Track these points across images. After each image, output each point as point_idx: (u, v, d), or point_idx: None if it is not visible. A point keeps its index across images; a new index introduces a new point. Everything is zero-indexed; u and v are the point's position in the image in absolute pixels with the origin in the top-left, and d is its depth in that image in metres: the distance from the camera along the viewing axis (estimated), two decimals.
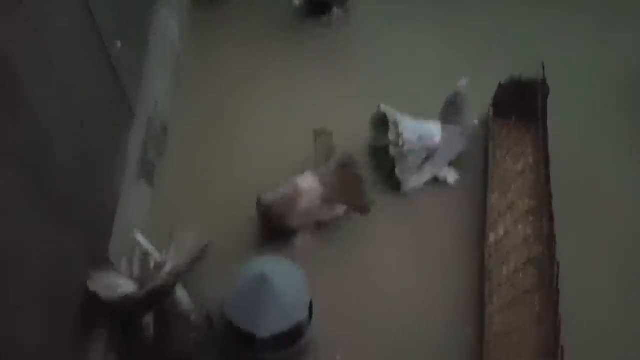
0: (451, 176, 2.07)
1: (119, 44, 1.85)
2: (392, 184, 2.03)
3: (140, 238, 1.77)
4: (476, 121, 2.06)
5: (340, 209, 1.95)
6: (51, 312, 1.39)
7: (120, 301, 1.54)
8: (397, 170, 2.02)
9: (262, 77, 2.36)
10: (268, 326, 1.54)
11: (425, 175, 2.06)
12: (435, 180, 2.06)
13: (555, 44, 2.37)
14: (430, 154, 2.05)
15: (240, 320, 1.57)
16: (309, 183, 1.91)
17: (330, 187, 1.91)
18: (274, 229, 1.92)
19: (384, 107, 2.06)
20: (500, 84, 2.10)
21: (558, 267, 1.62)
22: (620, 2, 2.53)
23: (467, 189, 2.04)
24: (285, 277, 1.59)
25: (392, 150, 2.02)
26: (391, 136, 2.02)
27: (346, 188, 1.92)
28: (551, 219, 1.75)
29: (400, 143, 2.00)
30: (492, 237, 1.85)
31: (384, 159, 2.05)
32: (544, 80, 2.01)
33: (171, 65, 2.34)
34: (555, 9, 2.50)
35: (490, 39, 2.40)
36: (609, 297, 1.79)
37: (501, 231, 1.86)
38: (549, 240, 1.72)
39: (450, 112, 2.05)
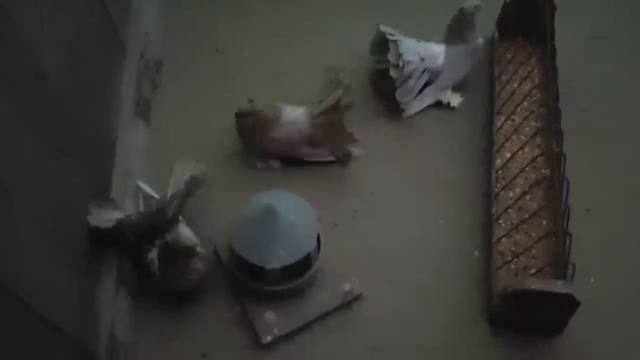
0: (455, 99, 2.01)
1: None
2: (393, 108, 1.98)
3: (142, 184, 1.75)
4: (481, 40, 1.97)
5: (324, 155, 1.89)
6: (59, 248, 1.38)
7: (117, 227, 1.54)
8: (397, 94, 1.95)
9: (258, 2, 2.28)
10: (277, 258, 1.53)
11: (428, 98, 2.00)
12: (439, 103, 2.01)
13: None
14: (433, 76, 1.98)
15: (248, 253, 1.56)
16: (296, 115, 1.85)
17: (313, 127, 1.84)
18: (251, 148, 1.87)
19: (383, 28, 1.97)
20: (505, 2, 2.02)
21: (568, 186, 1.60)
22: None
23: (471, 112, 1.99)
24: (292, 209, 1.57)
25: (392, 72, 1.93)
26: (391, 57, 1.92)
27: (328, 133, 1.85)
28: (559, 138, 1.71)
29: (401, 64, 1.91)
30: (498, 161, 1.81)
31: (384, 82, 1.98)
32: None
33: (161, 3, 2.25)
34: None
35: None
36: (617, 216, 1.78)
37: (508, 154, 1.83)
38: (557, 160, 1.69)
39: (454, 31, 1.96)
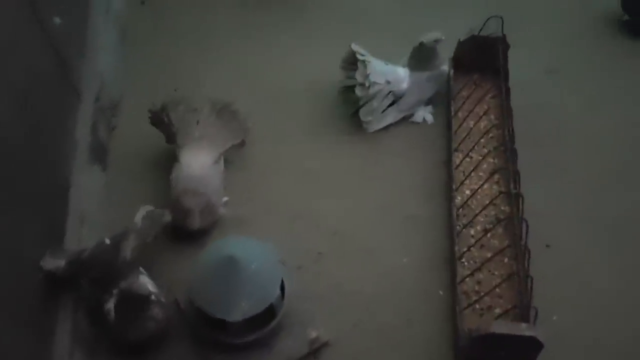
0: (428, 115, 2.08)
1: (57, 20, 1.73)
2: (358, 124, 2.04)
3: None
4: (445, 67, 2.05)
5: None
6: (9, 304, 1.32)
7: (70, 267, 1.50)
8: (361, 112, 2.02)
9: (218, 38, 2.29)
10: (239, 310, 1.49)
11: (389, 117, 2.06)
12: (405, 119, 2.06)
13: None
14: (397, 98, 2.04)
15: (209, 305, 1.51)
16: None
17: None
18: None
19: (355, 47, 2.02)
20: (459, 40, 2.06)
21: (527, 226, 1.62)
22: None
23: (430, 145, 2.02)
24: (254, 256, 1.54)
25: (358, 91, 2.00)
26: (358, 77, 1.99)
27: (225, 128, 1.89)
28: (516, 178, 1.74)
29: (367, 84, 1.97)
30: (458, 198, 1.83)
31: (352, 98, 2.04)
32: (504, 36, 1.98)
33: (117, 34, 2.22)
34: None
35: None
36: (577, 250, 1.81)
37: (467, 191, 1.85)
38: (516, 199, 1.72)
39: (417, 60, 2.03)
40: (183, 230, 1.77)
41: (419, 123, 2.08)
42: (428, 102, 2.10)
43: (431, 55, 2.03)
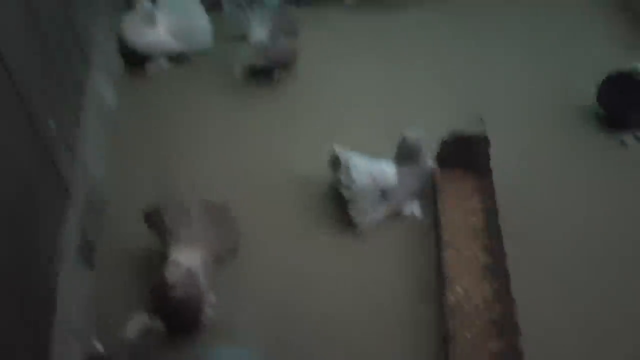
0: (417, 209, 2.10)
1: (52, 123, 1.74)
2: (349, 220, 2.05)
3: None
4: (431, 162, 2.10)
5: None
6: None
7: None
8: (350, 212, 2.05)
9: (209, 131, 2.33)
10: None
11: (380, 213, 2.07)
12: (397, 215, 2.08)
13: (490, 89, 2.51)
14: (385, 194, 2.07)
15: None
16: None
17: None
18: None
19: (337, 149, 2.08)
20: (442, 140, 2.13)
21: (519, 329, 1.63)
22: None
23: (424, 230, 2.05)
24: None
25: (345, 193, 2.04)
26: (343, 180, 2.04)
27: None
28: (507, 278, 1.77)
29: (353, 188, 2.02)
30: (451, 298, 1.84)
31: (341, 197, 2.07)
32: (485, 136, 2.06)
33: (108, 134, 2.24)
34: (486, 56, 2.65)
35: (432, 86, 2.52)
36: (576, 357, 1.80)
37: (459, 290, 1.86)
38: (509, 301, 1.73)
39: (402, 155, 2.08)
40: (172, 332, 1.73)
41: (408, 217, 2.11)
42: (416, 196, 2.14)
43: (415, 150, 2.08)
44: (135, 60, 2.54)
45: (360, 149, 2.12)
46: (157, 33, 2.51)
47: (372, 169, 2.06)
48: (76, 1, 2.17)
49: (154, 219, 1.88)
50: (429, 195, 2.14)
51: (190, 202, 1.89)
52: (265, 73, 2.53)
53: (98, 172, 2.06)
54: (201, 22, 2.57)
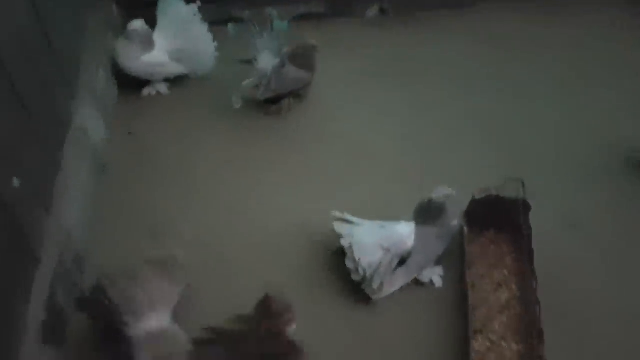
0: (436, 278, 1.83)
1: (16, 181, 1.49)
2: (358, 288, 1.77)
3: None
4: (456, 222, 1.81)
5: None
6: None
7: None
8: (366, 289, 1.76)
9: (202, 175, 2.10)
10: None
11: (398, 282, 1.79)
12: (417, 283, 1.81)
13: (530, 138, 2.19)
14: (403, 259, 1.79)
15: None
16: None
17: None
18: None
19: (337, 226, 1.80)
20: (474, 197, 1.85)
21: None
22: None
23: (445, 303, 1.78)
24: None
25: (354, 276, 1.76)
26: (348, 264, 1.76)
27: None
28: None
29: (361, 272, 1.74)
30: None
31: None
32: (524, 199, 1.77)
33: (92, 176, 2.00)
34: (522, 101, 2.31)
35: (462, 129, 2.21)
36: None
37: None
38: None
39: (425, 216, 1.80)
40: None
41: (426, 286, 1.83)
42: (437, 262, 1.86)
43: (440, 211, 1.80)
44: (132, 84, 2.30)
45: (376, 200, 1.88)
46: (153, 56, 2.25)
47: (383, 236, 1.78)
48: (59, 22, 1.89)
49: (94, 303, 1.63)
50: (454, 259, 1.85)
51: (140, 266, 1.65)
52: (272, 102, 2.26)
53: (77, 227, 1.81)
54: (204, 45, 2.30)
